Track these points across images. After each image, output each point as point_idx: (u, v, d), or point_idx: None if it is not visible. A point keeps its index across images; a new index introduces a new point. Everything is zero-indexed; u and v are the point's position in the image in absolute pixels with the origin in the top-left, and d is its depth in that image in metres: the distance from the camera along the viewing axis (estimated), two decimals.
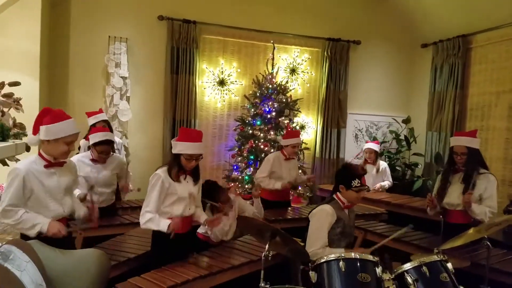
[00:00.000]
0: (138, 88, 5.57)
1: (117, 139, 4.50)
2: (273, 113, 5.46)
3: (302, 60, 6.25)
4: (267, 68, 5.72)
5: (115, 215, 3.72)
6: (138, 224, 2.90)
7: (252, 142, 5.41)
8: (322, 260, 2.24)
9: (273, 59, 5.74)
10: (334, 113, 6.28)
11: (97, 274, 2.34)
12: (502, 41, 5.24)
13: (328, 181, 6.01)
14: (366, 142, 5.62)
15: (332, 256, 2.23)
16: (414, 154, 6.22)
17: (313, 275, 2.24)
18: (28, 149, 3.19)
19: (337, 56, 6.25)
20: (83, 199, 3.12)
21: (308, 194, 5.75)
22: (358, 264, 2.22)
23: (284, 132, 5.36)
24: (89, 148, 3.60)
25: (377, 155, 5.29)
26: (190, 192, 2.81)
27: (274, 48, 5.75)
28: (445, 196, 3.35)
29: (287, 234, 2.33)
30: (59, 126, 2.39)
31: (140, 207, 2.84)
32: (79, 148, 4.26)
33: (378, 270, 2.22)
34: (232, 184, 5.39)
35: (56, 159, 2.47)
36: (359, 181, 2.74)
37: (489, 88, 5.43)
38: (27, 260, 2.06)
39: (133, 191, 3.97)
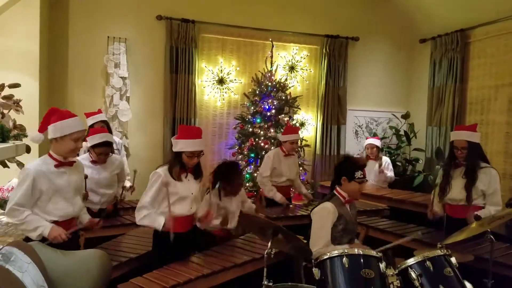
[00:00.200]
0: (138, 88, 5.56)
1: (117, 139, 4.48)
2: (273, 111, 5.45)
3: (301, 57, 6.24)
4: (266, 66, 5.71)
5: (116, 215, 3.70)
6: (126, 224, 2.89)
7: (252, 140, 5.40)
8: (325, 257, 2.23)
9: (272, 57, 5.73)
10: (333, 109, 6.26)
11: (99, 275, 2.33)
12: (501, 34, 5.23)
13: (329, 178, 5.96)
14: (367, 138, 5.61)
15: (335, 252, 2.22)
16: (415, 149, 6.21)
17: (316, 271, 2.23)
18: (28, 150, 3.18)
19: (335, 53, 6.23)
20: (84, 198, 3.11)
21: (309, 191, 5.73)
22: (362, 260, 2.20)
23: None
24: (88, 150, 3.58)
25: (379, 151, 5.27)
26: (192, 191, 2.79)
27: (272, 46, 5.73)
28: (447, 192, 3.33)
29: (289, 232, 2.32)
30: (65, 123, 2.46)
31: None
32: None
33: (382, 265, 2.20)
34: None
35: (65, 159, 2.52)
36: (362, 173, 2.74)
37: (488, 82, 5.42)
38: (29, 261, 2.05)
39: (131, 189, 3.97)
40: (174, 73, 5.57)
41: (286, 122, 5.48)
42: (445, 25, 5.86)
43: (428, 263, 2.25)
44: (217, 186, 3.19)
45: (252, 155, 5.43)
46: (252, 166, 5.41)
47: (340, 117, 6.33)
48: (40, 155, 4.41)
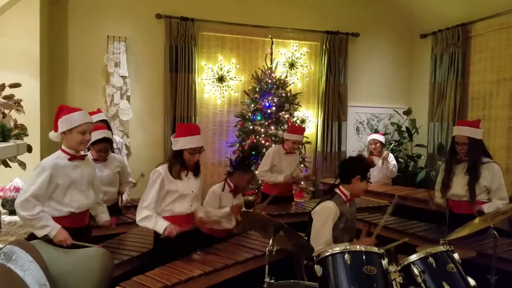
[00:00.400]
0: (138, 87, 5.55)
1: (117, 138, 4.48)
2: (273, 108, 5.43)
3: (301, 54, 6.22)
4: (266, 63, 5.69)
5: (119, 214, 3.71)
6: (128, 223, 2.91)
7: (253, 138, 5.39)
8: (327, 254, 2.22)
9: (271, 54, 5.71)
10: (334, 106, 6.24)
11: (101, 273, 2.34)
12: (502, 28, 5.19)
13: (331, 175, 5.99)
14: (368, 134, 5.58)
15: (337, 249, 2.21)
16: (417, 145, 6.19)
17: (318, 268, 2.22)
18: (29, 149, 3.19)
19: (335, 49, 6.21)
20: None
21: (310, 188, 5.73)
22: (364, 256, 2.19)
23: (286, 126, 5.35)
24: (88, 149, 3.58)
25: (382, 146, 5.26)
26: (192, 189, 2.79)
27: (272, 43, 5.71)
28: (450, 187, 3.32)
29: (290, 229, 2.31)
30: (72, 117, 2.57)
31: None
32: None
33: (384, 262, 2.19)
34: None
35: (77, 152, 2.64)
36: (370, 173, 2.80)
37: (490, 76, 5.39)
38: (30, 260, 2.05)
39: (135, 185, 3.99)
40: (174, 72, 5.56)
41: (286, 119, 5.47)
42: (445, 19, 5.83)
43: (430, 259, 2.24)
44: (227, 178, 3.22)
45: (253, 152, 5.41)
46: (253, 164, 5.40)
47: (341, 113, 6.31)
48: (41, 155, 4.45)
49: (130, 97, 5.44)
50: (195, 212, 2.89)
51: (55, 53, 5.22)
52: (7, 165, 3.25)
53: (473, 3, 5.45)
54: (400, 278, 2.20)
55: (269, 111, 5.44)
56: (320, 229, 2.66)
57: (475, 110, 5.59)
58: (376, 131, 6.34)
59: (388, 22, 6.53)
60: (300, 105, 5.91)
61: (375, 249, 2.23)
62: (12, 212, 3.72)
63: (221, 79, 5.89)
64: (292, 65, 6.19)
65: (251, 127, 5.46)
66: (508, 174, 4.99)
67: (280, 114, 5.47)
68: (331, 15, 6.26)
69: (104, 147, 3.51)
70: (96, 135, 3.42)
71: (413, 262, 2.24)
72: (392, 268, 2.21)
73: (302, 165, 5.39)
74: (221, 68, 5.88)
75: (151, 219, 2.65)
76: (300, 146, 4.87)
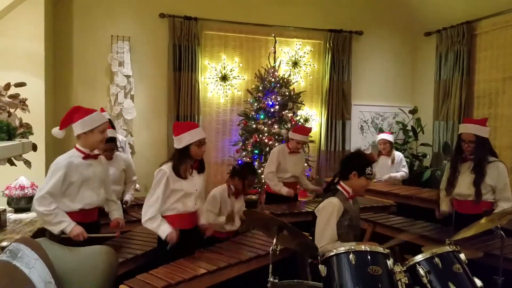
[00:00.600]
0: (142, 86, 5.56)
1: (120, 137, 4.49)
2: (277, 107, 5.42)
3: (304, 52, 6.19)
4: (269, 62, 5.68)
5: (124, 212, 3.71)
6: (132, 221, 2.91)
7: (256, 137, 5.38)
8: (332, 253, 2.20)
9: (274, 52, 5.69)
10: (338, 104, 6.21)
11: (105, 271, 2.36)
12: (508, 26, 5.15)
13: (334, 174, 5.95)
14: (378, 133, 5.51)
15: (341, 249, 2.19)
16: (422, 144, 6.15)
17: (322, 268, 2.20)
18: (34, 148, 3.19)
19: (339, 47, 6.18)
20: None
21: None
22: (369, 256, 2.17)
23: (290, 125, 5.33)
24: None
25: (392, 146, 5.19)
26: (196, 187, 2.79)
27: (275, 41, 5.69)
28: (455, 187, 3.28)
29: (294, 228, 2.29)
30: (93, 118, 2.68)
31: None
32: None
33: (389, 262, 2.17)
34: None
35: (92, 151, 2.73)
36: (371, 169, 2.71)
37: (495, 74, 5.35)
38: (36, 257, 2.06)
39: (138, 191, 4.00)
40: (177, 71, 5.56)
41: (290, 118, 5.45)
42: (450, 17, 5.78)
43: (436, 259, 2.21)
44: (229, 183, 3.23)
45: (256, 151, 5.40)
46: (256, 163, 5.38)
47: (345, 112, 6.28)
48: (46, 153, 4.46)
49: (134, 96, 5.44)
50: (198, 212, 2.89)
51: (60, 53, 5.23)
52: (12, 164, 3.26)
53: (478, 1, 5.40)
54: (406, 278, 2.18)
55: (272, 110, 5.42)
56: (324, 225, 2.64)
57: (480, 109, 5.54)
58: (381, 130, 6.31)
59: (392, 20, 6.49)
60: (303, 104, 5.89)
61: (380, 249, 2.21)
62: (18, 210, 3.74)
63: (224, 78, 5.88)
64: (295, 64, 6.17)
65: (254, 126, 5.45)
66: None
67: (283, 113, 5.45)
68: (334, 13, 6.23)
69: (110, 146, 3.57)
70: None
71: (418, 263, 2.21)
72: (398, 269, 2.18)
73: (305, 164, 5.37)
74: (224, 67, 5.87)
75: (156, 221, 2.66)
76: (304, 146, 4.83)
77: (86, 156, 2.69)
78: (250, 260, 2.76)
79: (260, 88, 5.54)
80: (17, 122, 3.09)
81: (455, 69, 5.73)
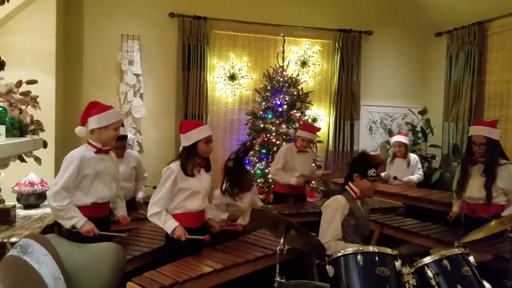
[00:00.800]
0: (151, 84, 5.59)
1: (129, 135, 4.53)
2: (285, 106, 5.41)
3: (313, 52, 6.17)
4: (278, 62, 5.67)
5: (134, 210, 3.75)
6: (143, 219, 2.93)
7: (264, 136, 5.37)
8: (339, 254, 2.19)
9: (283, 52, 5.69)
10: (347, 105, 6.18)
11: (113, 268, 2.38)
12: None
13: (343, 174, 5.90)
14: (393, 135, 5.43)
15: (349, 250, 2.18)
16: (431, 145, 6.09)
17: (330, 269, 2.19)
18: (45, 145, 3.23)
19: (348, 47, 6.15)
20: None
21: (322, 188, 5.69)
22: (377, 258, 2.16)
23: (297, 125, 5.32)
24: None
25: (407, 148, 5.10)
26: (204, 185, 2.80)
27: (284, 41, 5.69)
28: (466, 190, 3.25)
29: (302, 228, 2.29)
30: (108, 114, 2.73)
31: None
32: None
33: (397, 263, 2.16)
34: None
35: (104, 147, 2.78)
36: (375, 171, 2.68)
37: (507, 76, 5.28)
38: (45, 253, 2.09)
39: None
40: (186, 70, 5.58)
41: (298, 117, 5.43)
42: (461, 17, 5.72)
43: (445, 261, 2.20)
44: (227, 186, 3.17)
45: (264, 151, 5.40)
46: (263, 162, 5.38)
47: (354, 112, 6.25)
48: (56, 150, 4.51)
49: (143, 94, 5.48)
50: (205, 210, 2.90)
51: (71, 51, 5.28)
52: (23, 160, 3.30)
53: (489, 1, 5.33)
54: (414, 280, 2.16)
55: (280, 109, 5.41)
56: (328, 221, 2.64)
57: (491, 110, 5.48)
58: (390, 131, 6.27)
59: (402, 20, 6.44)
60: (311, 104, 5.87)
61: (389, 251, 2.20)
62: (27, 207, 3.78)
63: (232, 77, 5.88)
64: (304, 64, 6.15)
65: (262, 125, 5.45)
66: None
67: (291, 112, 5.44)
68: (344, 13, 6.20)
69: (122, 144, 3.64)
70: None
71: (427, 264, 2.20)
72: (406, 270, 2.17)
73: (313, 164, 5.35)
74: (232, 66, 5.88)
75: (161, 216, 2.67)
76: (312, 145, 4.81)
77: (98, 151, 2.75)
78: (257, 259, 2.74)
79: (268, 88, 5.54)
80: (28, 119, 3.12)
81: (465, 70, 5.67)
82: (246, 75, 5.95)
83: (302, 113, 5.56)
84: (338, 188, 5.01)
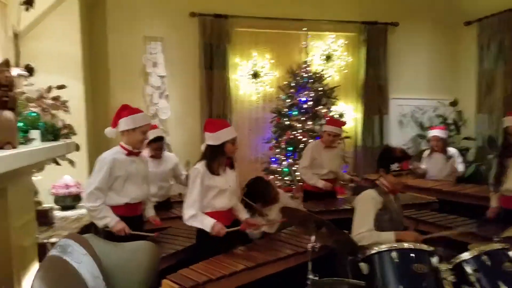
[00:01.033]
0: (175, 85, 5.64)
1: None
2: (310, 103, 5.35)
3: (338, 46, 6.07)
4: (301, 57, 5.60)
5: (170, 209, 3.87)
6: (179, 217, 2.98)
7: (290, 133, 5.33)
8: (374, 251, 2.16)
9: (307, 47, 5.61)
10: (374, 99, 6.05)
11: (149, 266, 2.43)
12: None
13: (372, 170, 5.81)
14: (431, 128, 5.26)
15: (384, 247, 2.14)
16: (464, 138, 5.90)
17: (364, 266, 2.16)
18: (77, 148, 3.31)
19: (374, 40, 6.01)
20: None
21: (351, 184, 5.59)
22: (412, 254, 2.11)
23: (323, 121, 5.25)
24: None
25: (445, 143, 4.90)
26: (230, 183, 2.82)
27: (307, 36, 5.61)
28: (503, 183, 3.13)
29: (333, 225, 2.26)
30: (137, 117, 2.81)
31: None
32: None
33: (434, 260, 2.10)
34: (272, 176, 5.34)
35: (134, 149, 2.85)
36: (398, 165, 2.60)
37: None
38: (84, 253, 2.16)
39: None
40: (208, 69, 5.58)
41: (323, 113, 5.37)
42: (491, 5, 5.50)
43: (484, 257, 2.13)
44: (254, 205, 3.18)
45: (290, 148, 5.36)
46: (290, 160, 5.35)
47: (382, 106, 6.11)
48: (88, 153, 4.62)
49: (168, 96, 5.54)
50: (236, 209, 2.91)
51: (96, 55, 5.37)
52: (57, 163, 3.40)
53: None
54: (452, 277, 2.10)
55: (305, 105, 5.36)
56: (361, 214, 2.60)
57: None
58: (421, 125, 6.10)
59: (429, 10, 6.24)
60: (337, 99, 5.77)
61: (425, 247, 2.14)
62: (64, 208, 3.91)
63: (255, 75, 5.85)
64: (328, 58, 6.05)
65: (287, 122, 5.41)
66: None
67: (317, 108, 5.38)
68: (368, 5, 6.06)
69: (160, 145, 3.79)
70: (151, 135, 3.65)
71: (465, 260, 2.14)
72: (443, 267, 2.11)
73: (342, 161, 5.27)
74: (255, 64, 5.85)
75: (197, 217, 2.72)
76: (339, 140, 4.72)
77: (129, 153, 2.83)
78: (289, 257, 2.75)
79: (292, 84, 5.49)
80: (60, 123, 3.20)
81: (498, 59, 5.45)
82: (269, 72, 5.91)
83: (328, 109, 5.49)
84: (369, 184, 4.96)
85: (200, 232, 2.80)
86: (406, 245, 2.17)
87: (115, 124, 2.83)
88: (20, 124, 2.32)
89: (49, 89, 3.23)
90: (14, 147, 2.04)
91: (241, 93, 5.90)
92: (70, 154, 3.25)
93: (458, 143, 5.99)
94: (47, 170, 3.18)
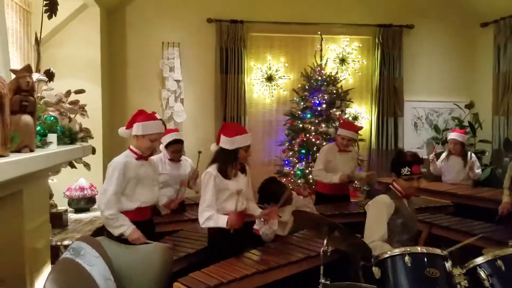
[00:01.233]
0: (191, 89, 5.73)
1: None
2: (324, 105, 5.33)
3: (352, 49, 6.05)
4: (315, 60, 5.61)
5: (184, 211, 3.88)
6: (195, 220, 3.00)
7: (303, 136, 5.33)
8: (386, 255, 2.14)
9: (321, 50, 5.62)
10: (389, 101, 5.99)
11: (161, 268, 2.45)
12: None
13: (387, 173, 5.74)
14: (452, 130, 5.19)
15: (396, 251, 2.12)
16: (480, 141, 5.79)
17: (376, 270, 2.15)
18: (93, 151, 3.39)
19: (389, 42, 5.97)
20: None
21: (365, 187, 5.55)
22: (425, 258, 2.09)
23: (338, 123, 5.23)
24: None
25: (463, 146, 4.82)
26: (241, 187, 2.83)
27: (322, 39, 5.62)
28: None
29: (345, 228, 2.25)
30: (148, 125, 2.80)
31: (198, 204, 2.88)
32: None
33: (448, 264, 2.08)
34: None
35: (143, 153, 2.86)
36: (409, 169, 2.58)
37: None
38: (97, 255, 2.18)
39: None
40: (224, 73, 5.67)
41: (338, 116, 5.34)
42: (508, 6, 5.38)
43: (499, 262, 2.10)
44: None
45: (303, 151, 5.35)
46: (303, 163, 5.34)
47: (397, 109, 6.05)
48: (103, 156, 4.71)
49: (183, 99, 5.62)
50: (245, 209, 2.93)
51: (115, 60, 5.52)
52: (73, 166, 3.48)
53: None
54: (466, 281, 2.07)
55: (319, 108, 5.35)
56: (374, 221, 2.58)
57: None
58: (436, 127, 6.02)
59: (444, 12, 6.16)
60: (352, 102, 5.75)
61: (438, 251, 2.12)
62: (78, 210, 3.98)
63: (270, 78, 5.89)
64: (343, 61, 6.04)
65: (300, 125, 5.41)
66: None
67: (331, 111, 5.36)
68: (382, 7, 6.03)
69: (178, 148, 3.78)
70: (169, 138, 3.70)
71: (479, 265, 2.11)
72: (457, 271, 2.08)
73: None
74: (269, 67, 5.89)
75: (212, 218, 2.73)
76: (354, 144, 4.68)
77: (139, 157, 2.85)
78: (301, 261, 2.73)
79: (306, 87, 5.49)
80: (77, 127, 3.28)
81: None
82: (284, 76, 5.94)
83: (343, 111, 5.47)
84: (383, 187, 4.91)
85: (212, 235, 2.82)
86: (419, 249, 2.15)
87: (129, 126, 2.85)
88: (38, 128, 2.36)
89: (68, 93, 3.31)
90: (31, 151, 2.08)
91: (255, 96, 5.94)
92: (86, 157, 3.32)
93: (474, 146, 5.89)
94: (63, 172, 3.26)
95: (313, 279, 2.28)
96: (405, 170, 2.58)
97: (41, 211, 2.53)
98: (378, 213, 2.57)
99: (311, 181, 5.11)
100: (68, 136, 2.82)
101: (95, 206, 3.90)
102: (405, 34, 6.09)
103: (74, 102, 3.32)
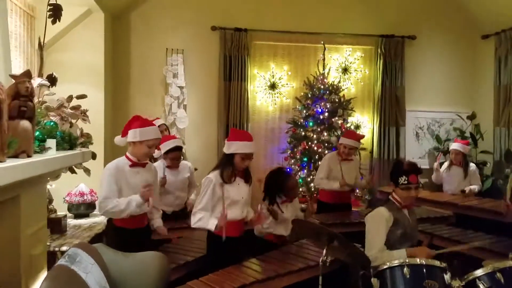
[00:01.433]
0: (194, 96, 5.75)
1: None
2: (326, 114, 5.34)
3: (355, 58, 6.07)
4: (318, 69, 5.63)
5: (186, 218, 3.82)
6: (194, 228, 2.97)
7: (305, 144, 5.33)
8: (385, 266, 2.13)
9: (324, 59, 5.64)
10: (391, 111, 6.00)
11: (158, 277, 2.41)
12: None
13: (388, 183, 5.73)
14: (455, 140, 5.18)
15: (395, 262, 2.11)
16: (482, 152, 5.77)
17: (375, 282, 2.13)
18: (94, 157, 3.39)
19: (391, 53, 5.99)
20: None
21: (367, 196, 5.53)
22: (424, 270, 2.07)
23: (340, 132, 5.24)
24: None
25: (465, 157, 4.78)
26: (241, 195, 2.82)
27: (324, 49, 5.64)
28: None
29: (345, 238, 2.24)
30: (144, 131, 2.77)
31: None
32: None
33: (447, 276, 2.06)
34: None
35: (139, 161, 2.82)
36: (406, 179, 2.57)
37: None
38: (92, 262, 2.15)
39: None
40: (227, 81, 5.69)
41: (340, 125, 5.35)
42: (509, 18, 5.40)
43: (498, 274, 2.08)
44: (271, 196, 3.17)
45: (305, 159, 5.35)
46: (305, 171, 5.33)
47: (399, 118, 6.05)
48: (105, 161, 4.71)
49: (186, 106, 5.64)
50: (246, 217, 2.92)
51: (118, 66, 5.56)
52: (73, 172, 3.48)
53: None
54: None
55: (321, 117, 5.35)
56: (372, 234, 2.57)
57: None
58: (438, 137, 6.00)
59: (446, 23, 6.19)
60: (354, 111, 5.76)
61: (437, 263, 2.10)
62: (77, 216, 3.96)
63: (273, 86, 5.92)
64: (345, 70, 6.06)
65: (303, 133, 5.41)
66: None
67: (333, 120, 5.36)
68: (385, 18, 6.06)
69: (177, 155, 3.74)
70: (168, 144, 3.66)
71: (479, 277, 2.09)
72: (456, 283, 2.07)
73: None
74: (273, 75, 5.91)
75: (203, 219, 2.73)
76: (354, 152, 4.67)
77: (133, 164, 2.80)
78: (300, 270, 2.70)
79: (309, 95, 5.50)
80: (78, 132, 3.28)
81: None
82: (287, 84, 5.96)
83: (345, 120, 5.47)
84: (384, 197, 4.88)
85: (211, 243, 2.81)
86: (418, 260, 2.13)
87: (124, 133, 2.82)
88: (37, 133, 2.35)
89: (70, 98, 3.32)
90: (29, 156, 2.08)
91: (258, 104, 5.96)
92: (87, 162, 3.32)
93: (475, 157, 5.87)
94: (63, 178, 3.25)
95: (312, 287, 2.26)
96: (402, 179, 2.57)
97: (39, 217, 2.51)
98: (376, 226, 2.56)
99: (312, 189, 5.10)
100: (68, 142, 2.81)
101: (95, 212, 3.90)
102: (407, 44, 6.11)
103: (76, 107, 3.33)
